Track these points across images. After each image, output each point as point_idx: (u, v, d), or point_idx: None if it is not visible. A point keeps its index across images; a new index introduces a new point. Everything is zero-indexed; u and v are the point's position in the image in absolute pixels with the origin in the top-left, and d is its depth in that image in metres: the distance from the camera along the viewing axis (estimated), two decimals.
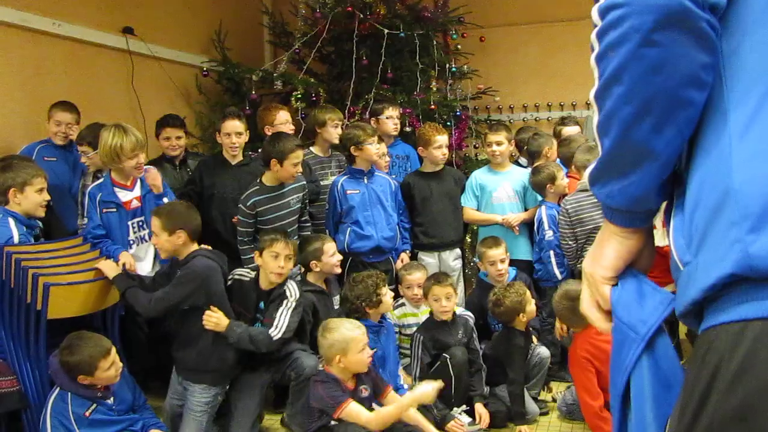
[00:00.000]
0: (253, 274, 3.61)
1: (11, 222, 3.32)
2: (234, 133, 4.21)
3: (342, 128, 4.55)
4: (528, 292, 3.83)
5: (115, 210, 3.66)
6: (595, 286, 1.11)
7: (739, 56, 0.89)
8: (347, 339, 3.12)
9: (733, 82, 0.89)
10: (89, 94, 4.74)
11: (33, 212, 3.43)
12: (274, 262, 3.44)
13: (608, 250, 1.09)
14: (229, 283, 3.54)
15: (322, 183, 4.42)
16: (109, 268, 3.34)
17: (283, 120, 4.47)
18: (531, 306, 3.80)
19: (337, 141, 4.54)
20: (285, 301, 3.43)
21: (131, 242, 3.68)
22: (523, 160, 5.01)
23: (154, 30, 5.32)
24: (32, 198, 3.40)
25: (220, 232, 4.14)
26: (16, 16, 4.20)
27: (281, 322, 3.37)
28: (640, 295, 1.04)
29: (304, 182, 4.13)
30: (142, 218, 3.70)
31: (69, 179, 4.15)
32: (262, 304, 3.54)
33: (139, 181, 3.74)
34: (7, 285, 3.13)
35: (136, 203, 3.70)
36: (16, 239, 3.26)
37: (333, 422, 3.10)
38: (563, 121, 5.20)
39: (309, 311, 3.89)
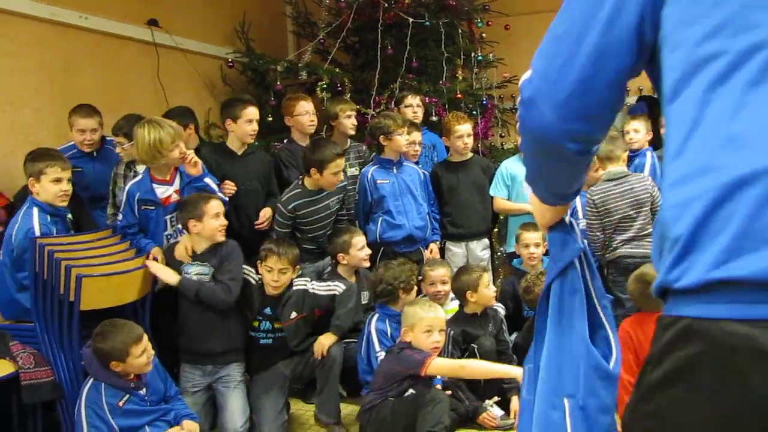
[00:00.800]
0: (257, 276, 3.63)
1: (35, 211, 3.33)
2: (255, 119, 4.12)
3: (356, 118, 4.59)
4: None
5: (153, 208, 3.63)
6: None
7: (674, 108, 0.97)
8: (417, 316, 3.21)
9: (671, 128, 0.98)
10: (116, 87, 4.76)
11: (52, 202, 3.38)
12: (268, 275, 3.52)
13: (546, 213, 1.50)
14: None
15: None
16: (167, 274, 3.41)
17: (304, 110, 4.41)
18: None
19: (352, 132, 4.55)
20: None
21: (168, 237, 3.67)
22: None
23: (179, 22, 5.33)
24: (48, 188, 3.36)
25: (232, 224, 4.07)
26: (44, 10, 4.22)
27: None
28: (563, 243, 1.51)
29: (345, 184, 4.15)
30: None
31: (98, 187, 4.09)
32: (269, 310, 3.60)
33: (177, 174, 3.71)
34: (41, 276, 3.15)
35: (175, 197, 3.66)
36: (37, 230, 3.26)
37: (411, 390, 3.14)
38: (634, 115, 5.10)
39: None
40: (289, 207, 3.86)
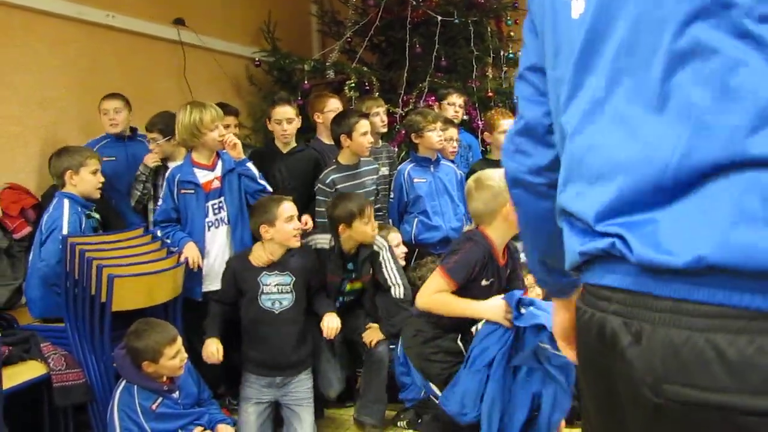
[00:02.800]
0: (328, 239, 3.57)
1: (66, 204, 3.31)
2: (285, 119, 4.04)
3: (385, 115, 4.53)
4: None
5: (192, 191, 3.55)
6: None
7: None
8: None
9: None
10: (142, 86, 4.71)
11: (89, 194, 3.45)
12: (367, 227, 3.46)
13: (556, 315, 1.45)
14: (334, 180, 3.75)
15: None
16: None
17: (334, 107, 4.35)
18: None
19: (382, 129, 4.48)
20: (380, 256, 3.49)
21: (209, 224, 3.59)
22: None
23: (205, 21, 5.28)
24: (87, 179, 3.42)
25: None
26: (71, 8, 4.18)
27: (396, 279, 3.43)
28: None
29: (377, 166, 4.09)
30: (222, 199, 3.60)
31: (129, 179, 4.05)
32: (350, 265, 3.55)
33: (220, 161, 3.64)
34: (71, 277, 3.09)
35: (216, 183, 3.59)
36: (65, 224, 3.25)
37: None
38: None
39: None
40: (328, 181, 3.78)
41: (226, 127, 4.02)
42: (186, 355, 3.00)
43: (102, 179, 3.51)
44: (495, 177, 2.77)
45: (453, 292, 2.76)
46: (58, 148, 3.54)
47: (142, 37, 4.77)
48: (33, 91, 3.98)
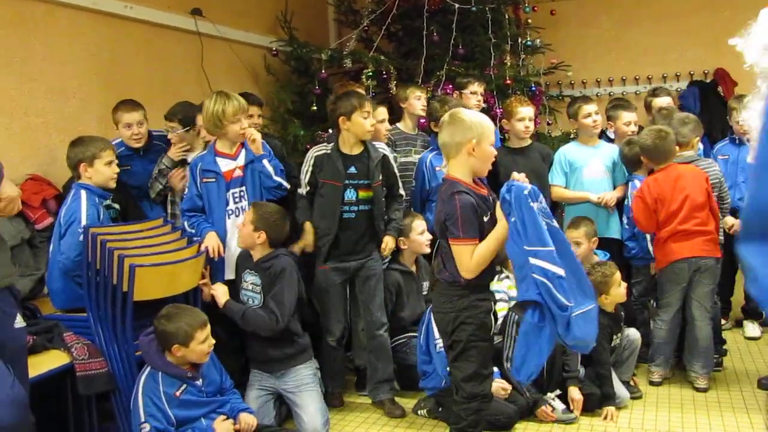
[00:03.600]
0: (329, 147, 3.65)
1: (83, 195, 3.32)
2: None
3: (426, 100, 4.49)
4: (617, 275, 3.67)
5: (214, 180, 3.59)
6: None
7: None
8: (486, 125, 2.74)
9: None
10: (160, 77, 4.73)
11: (104, 185, 3.43)
12: (366, 121, 3.58)
13: None
14: (314, 158, 3.69)
15: (405, 159, 4.32)
16: (220, 294, 3.41)
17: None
18: (617, 289, 3.65)
19: (422, 112, 4.46)
20: (390, 158, 3.73)
21: (230, 212, 3.61)
22: (610, 133, 4.78)
23: (222, 11, 5.28)
24: (102, 171, 3.40)
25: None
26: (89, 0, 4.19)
27: (399, 181, 3.78)
28: None
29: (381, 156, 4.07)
30: (243, 188, 3.63)
31: (147, 184, 4.06)
32: (353, 168, 3.62)
33: (243, 150, 3.65)
34: (93, 266, 3.11)
35: (238, 173, 3.62)
36: (83, 216, 3.26)
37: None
38: (654, 93, 4.92)
39: (393, 290, 3.84)
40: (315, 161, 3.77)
41: (250, 117, 4.03)
42: (213, 341, 3.03)
43: (117, 169, 3.50)
44: (468, 113, 2.80)
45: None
46: (73, 139, 3.53)
47: (160, 27, 4.77)
48: (54, 83, 3.99)
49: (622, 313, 3.82)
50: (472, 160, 2.71)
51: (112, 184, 3.48)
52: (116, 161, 3.51)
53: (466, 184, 2.70)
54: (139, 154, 4.04)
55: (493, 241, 2.65)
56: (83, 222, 3.24)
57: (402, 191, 3.88)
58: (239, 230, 3.50)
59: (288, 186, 3.72)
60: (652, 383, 3.94)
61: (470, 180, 2.73)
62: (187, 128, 3.88)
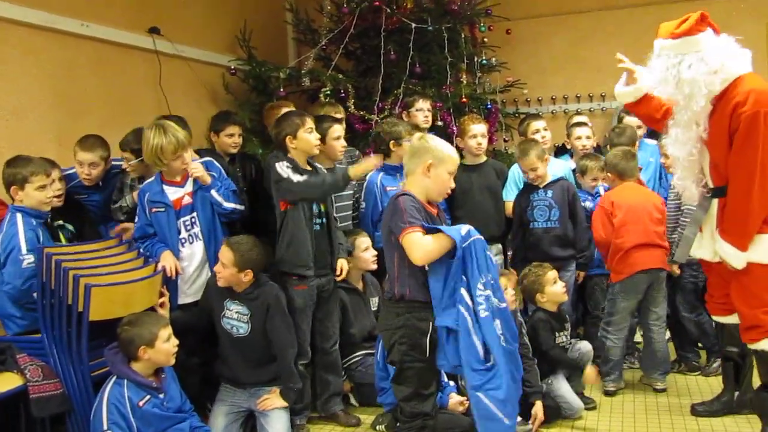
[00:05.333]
0: (291, 163, 3.62)
1: (19, 219, 3.28)
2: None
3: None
4: (549, 274, 3.84)
5: (163, 210, 3.59)
6: None
7: None
8: (447, 153, 2.84)
9: None
10: (117, 95, 4.70)
11: (37, 208, 3.34)
12: (312, 136, 3.64)
13: None
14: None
15: None
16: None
17: None
18: (553, 287, 3.81)
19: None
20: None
21: (183, 240, 3.62)
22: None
23: (180, 30, 5.27)
24: (33, 195, 3.32)
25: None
26: (44, 17, 4.15)
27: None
28: None
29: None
30: (194, 215, 3.63)
31: (103, 214, 4.03)
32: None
33: (190, 177, 3.65)
34: (48, 287, 3.09)
35: (187, 200, 3.62)
36: (22, 242, 3.21)
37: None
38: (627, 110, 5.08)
39: (339, 308, 3.86)
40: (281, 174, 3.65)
41: (231, 136, 4.20)
42: (177, 341, 3.09)
43: (51, 194, 3.42)
44: (435, 140, 2.91)
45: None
46: (9, 159, 3.44)
47: (117, 46, 4.74)
48: (6, 101, 3.95)
49: (567, 315, 3.98)
50: (427, 180, 2.79)
51: (45, 208, 3.40)
52: (55, 185, 3.46)
53: (419, 199, 2.76)
54: (97, 186, 3.97)
55: (439, 239, 2.68)
56: (23, 249, 3.19)
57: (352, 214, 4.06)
58: (219, 274, 3.47)
59: (242, 208, 3.71)
60: (607, 393, 4.02)
61: (423, 200, 2.79)
62: (141, 158, 3.81)
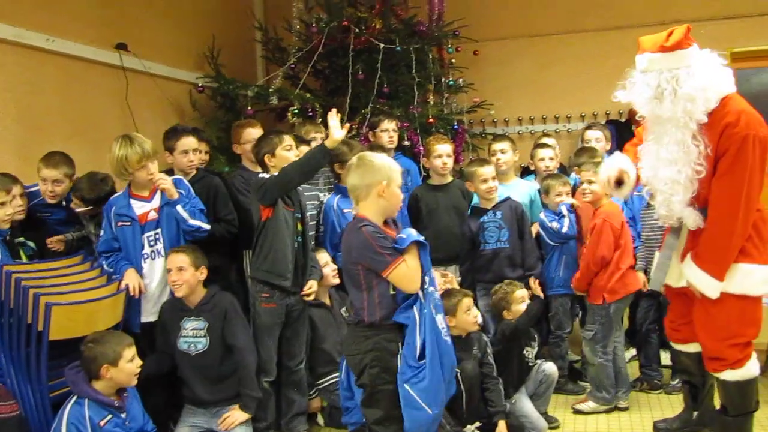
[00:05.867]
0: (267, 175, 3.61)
1: None
2: (191, 150, 4.01)
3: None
4: (517, 292, 3.87)
5: (129, 224, 3.57)
6: None
7: None
8: (393, 168, 2.84)
9: None
10: (83, 111, 4.66)
11: None
12: (290, 153, 3.65)
13: None
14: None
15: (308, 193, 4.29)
16: None
17: (251, 137, 4.18)
18: (518, 306, 3.85)
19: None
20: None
21: (145, 256, 3.58)
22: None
23: (148, 46, 5.26)
24: None
25: None
26: (9, 31, 4.11)
27: None
28: None
29: (316, 192, 4.17)
30: (159, 231, 3.60)
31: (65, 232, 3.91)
32: (289, 202, 3.66)
33: (159, 192, 3.63)
34: (7, 305, 3.03)
35: (153, 215, 3.60)
36: None
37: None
38: (588, 126, 5.19)
39: (308, 326, 3.85)
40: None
41: (197, 152, 4.03)
42: (140, 362, 3.07)
43: (11, 210, 3.38)
44: (376, 157, 2.89)
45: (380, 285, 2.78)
46: None
47: (83, 61, 4.70)
48: None
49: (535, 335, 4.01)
50: (382, 201, 2.79)
51: (4, 226, 3.37)
52: (16, 201, 3.43)
53: (375, 224, 2.77)
54: (60, 204, 3.90)
55: (413, 256, 2.73)
56: None
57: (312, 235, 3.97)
58: (180, 282, 3.46)
59: (208, 227, 3.67)
60: (579, 412, 4.06)
61: (381, 222, 2.81)
62: (90, 207, 3.77)
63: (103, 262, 3.56)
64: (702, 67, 2.85)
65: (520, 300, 3.85)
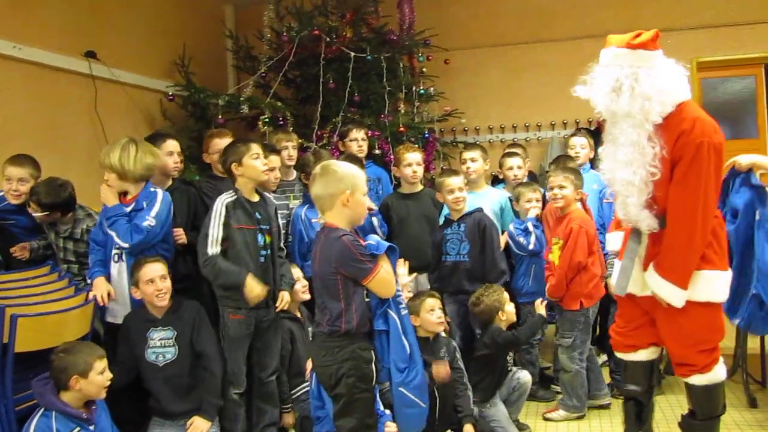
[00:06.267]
0: (234, 194, 3.55)
1: None
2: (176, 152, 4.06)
3: (295, 150, 4.55)
4: (504, 294, 3.90)
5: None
6: None
7: None
8: (357, 176, 2.85)
9: None
10: (51, 120, 4.62)
11: None
12: (258, 162, 3.56)
13: None
14: (225, 206, 3.49)
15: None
16: None
17: (221, 148, 4.03)
18: (510, 306, 3.88)
19: (289, 162, 4.49)
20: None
21: (115, 256, 3.56)
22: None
23: (117, 54, 5.23)
24: None
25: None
26: None
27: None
28: None
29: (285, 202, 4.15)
30: None
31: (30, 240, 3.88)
32: (258, 214, 3.58)
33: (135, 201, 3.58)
34: None
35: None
36: None
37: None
38: (575, 133, 5.26)
39: (287, 338, 3.83)
40: (219, 205, 3.55)
41: (170, 154, 3.98)
42: (111, 375, 3.01)
43: None
44: (340, 165, 2.90)
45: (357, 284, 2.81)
46: None
47: (51, 69, 4.67)
48: None
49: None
50: (347, 210, 2.80)
51: None
52: None
53: (353, 236, 2.79)
54: (23, 209, 3.83)
55: (386, 262, 2.80)
56: None
57: (282, 245, 3.90)
58: (163, 289, 3.41)
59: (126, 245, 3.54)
60: (548, 419, 4.09)
61: (349, 229, 2.82)
62: (47, 213, 3.71)
63: (91, 255, 3.58)
64: (663, 71, 2.85)
65: (508, 302, 3.90)
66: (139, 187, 3.57)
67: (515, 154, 4.90)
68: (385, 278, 2.76)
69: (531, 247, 4.27)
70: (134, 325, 3.49)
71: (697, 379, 3.04)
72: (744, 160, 3.60)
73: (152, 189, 3.62)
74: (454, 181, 4.13)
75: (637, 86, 2.80)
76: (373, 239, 2.84)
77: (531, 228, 4.28)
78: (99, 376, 2.95)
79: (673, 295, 2.92)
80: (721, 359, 3.06)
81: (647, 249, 3.05)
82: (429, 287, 4.35)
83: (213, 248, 3.43)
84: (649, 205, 2.94)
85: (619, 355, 3.35)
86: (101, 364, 2.96)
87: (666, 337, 3.07)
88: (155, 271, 3.41)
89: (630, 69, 2.82)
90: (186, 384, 3.49)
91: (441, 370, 3.46)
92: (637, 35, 2.87)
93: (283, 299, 3.69)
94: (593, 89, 2.92)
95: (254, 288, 3.43)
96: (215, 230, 3.44)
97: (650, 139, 2.84)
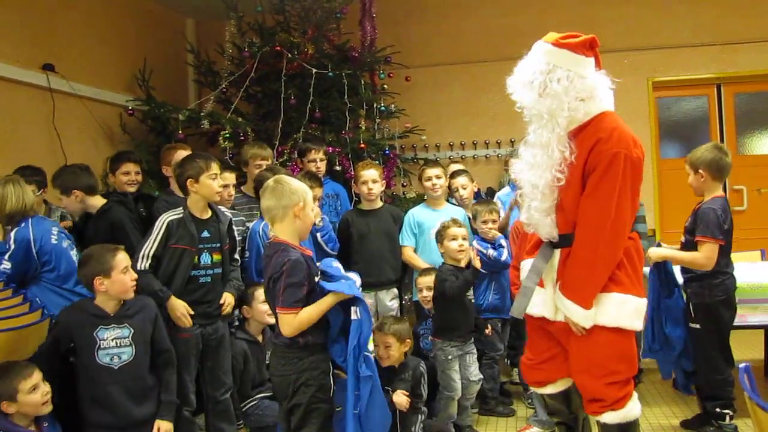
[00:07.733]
0: (181, 212, 3.50)
1: None
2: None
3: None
4: (454, 229, 4.00)
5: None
6: None
7: None
8: (308, 191, 2.92)
9: None
10: (7, 134, 4.57)
11: None
12: (214, 182, 3.53)
13: None
14: (167, 224, 3.44)
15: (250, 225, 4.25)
16: None
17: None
18: (449, 243, 3.97)
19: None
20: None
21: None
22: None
23: (76, 67, 5.19)
24: None
25: None
26: None
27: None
28: None
29: (242, 218, 4.14)
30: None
31: None
32: (206, 233, 3.55)
33: None
34: None
35: None
36: None
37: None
38: (511, 154, 5.33)
39: (240, 359, 3.80)
40: (167, 221, 3.52)
41: (126, 174, 4.25)
42: (49, 388, 2.89)
43: None
44: (293, 180, 2.95)
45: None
46: None
47: (7, 82, 4.61)
48: None
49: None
50: (298, 222, 2.85)
51: None
52: None
53: (294, 246, 2.81)
54: None
55: (319, 307, 2.78)
56: None
57: (237, 256, 3.89)
58: (111, 290, 3.17)
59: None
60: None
61: (297, 243, 2.86)
62: None
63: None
64: (586, 79, 2.70)
65: (451, 237, 3.94)
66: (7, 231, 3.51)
67: (462, 172, 4.90)
68: (290, 322, 2.75)
69: (504, 258, 4.27)
70: (77, 321, 3.15)
71: (610, 417, 2.80)
72: (654, 253, 3.82)
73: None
74: (424, 280, 4.15)
75: (550, 85, 2.67)
76: (349, 280, 2.89)
77: (503, 242, 4.33)
78: (30, 396, 2.81)
79: (579, 315, 2.73)
80: (635, 395, 2.85)
81: (559, 268, 2.86)
82: (389, 304, 4.40)
83: (141, 263, 3.41)
84: (553, 213, 2.80)
85: (532, 388, 3.27)
86: (27, 383, 2.81)
87: (575, 369, 2.87)
88: (127, 258, 3.25)
89: (547, 66, 2.70)
90: (143, 387, 3.23)
91: (402, 400, 3.49)
92: (570, 36, 2.74)
93: (226, 301, 3.65)
94: (513, 80, 2.79)
95: (177, 308, 3.42)
96: (149, 247, 3.43)
97: (561, 143, 2.69)
